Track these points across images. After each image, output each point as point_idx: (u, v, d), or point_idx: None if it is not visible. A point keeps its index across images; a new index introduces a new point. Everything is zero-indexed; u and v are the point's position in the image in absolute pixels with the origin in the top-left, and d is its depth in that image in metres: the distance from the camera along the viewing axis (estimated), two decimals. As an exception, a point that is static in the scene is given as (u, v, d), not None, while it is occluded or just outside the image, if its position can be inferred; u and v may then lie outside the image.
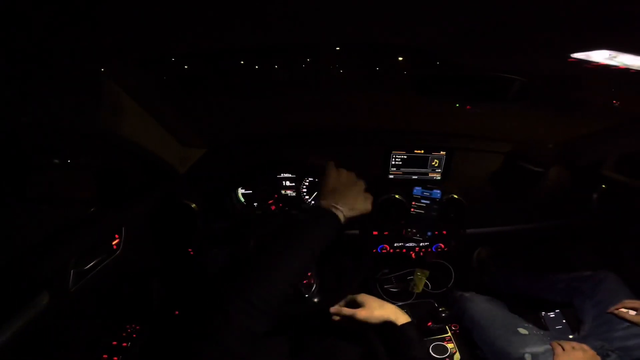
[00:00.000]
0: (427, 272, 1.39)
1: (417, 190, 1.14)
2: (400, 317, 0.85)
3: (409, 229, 1.19)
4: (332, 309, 0.90)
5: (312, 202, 1.21)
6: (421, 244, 1.23)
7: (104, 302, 1.12)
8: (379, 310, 0.87)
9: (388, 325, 0.85)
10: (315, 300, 0.96)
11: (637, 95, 1.07)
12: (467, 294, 1.33)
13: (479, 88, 0.88)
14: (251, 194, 1.20)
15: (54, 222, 0.97)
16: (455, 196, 1.15)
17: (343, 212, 0.73)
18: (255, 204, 1.22)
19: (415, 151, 1.14)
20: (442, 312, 1.18)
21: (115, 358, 1.09)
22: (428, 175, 1.17)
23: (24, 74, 0.56)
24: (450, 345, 1.20)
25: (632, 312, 1.06)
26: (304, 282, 0.97)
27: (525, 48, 0.66)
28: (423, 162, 1.15)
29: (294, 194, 1.21)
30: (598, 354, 0.99)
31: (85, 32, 0.50)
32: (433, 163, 1.15)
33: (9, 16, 0.40)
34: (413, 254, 1.28)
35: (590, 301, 1.21)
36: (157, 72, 0.96)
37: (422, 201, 1.14)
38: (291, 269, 0.62)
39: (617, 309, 1.09)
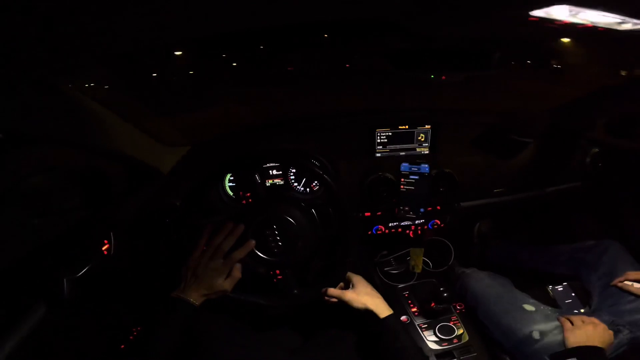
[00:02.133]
0: (422, 250, 1.36)
1: (405, 166, 1.12)
2: (383, 310, 0.86)
3: (401, 207, 1.16)
4: (324, 290, 0.90)
5: (301, 188, 1.19)
6: (417, 222, 1.20)
7: (106, 308, 1.10)
8: (365, 297, 0.88)
9: (371, 315, 0.86)
10: (295, 291, 0.95)
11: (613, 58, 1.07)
12: (467, 271, 1.29)
13: (452, 58, 0.87)
14: (237, 185, 1.18)
15: (40, 231, 0.96)
16: (446, 170, 1.13)
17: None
18: (242, 194, 1.19)
19: (400, 127, 1.12)
20: (444, 291, 1.14)
21: None
22: (416, 150, 1.15)
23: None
24: (456, 325, 1.16)
25: (637, 285, 1.02)
26: (276, 279, 0.95)
27: (487, 11, 0.65)
28: (409, 137, 1.14)
29: (281, 182, 1.19)
30: (609, 328, 0.95)
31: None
32: (419, 138, 1.14)
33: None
34: (411, 233, 1.25)
35: (595, 273, 1.18)
36: (129, 70, 0.95)
37: (411, 177, 1.12)
38: None
39: (621, 281, 1.06)
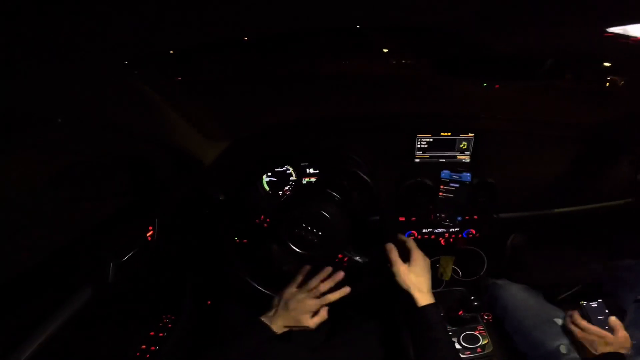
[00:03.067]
0: (453, 258, 1.35)
1: (446, 173, 1.10)
2: (424, 297, 0.85)
3: (438, 214, 1.15)
4: (387, 244, 0.94)
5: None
6: (451, 230, 1.19)
7: (141, 294, 1.14)
8: (412, 277, 0.87)
9: (409, 299, 0.85)
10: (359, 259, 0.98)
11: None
12: (499, 282, 1.28)
13: (508, 66, 0.84)
14: (276, 181, 1.21)
15: (90, 216, 1.01)
16: (488, 179, 1.11)
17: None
18: (280, 192, 1.22)
19: (442, 133, 1.10)
20: (474, 300, 1.14)
21: (153, 348, 1.12)
22: (456, 158, 1.13)
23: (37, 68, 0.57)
24: (481, 335, 1.16)
25: None
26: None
27: (558, 23, 0.62)
28: (450, 144, 1.11)
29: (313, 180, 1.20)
30: (634, 346, 0.95)
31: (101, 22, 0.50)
32: (461, 145, 1.11)
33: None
34: (442, 240, 1.24)
35: (632, 292, 1.15)
36: (178, 65, 0.97)
37: (451, 185, 1.10)
38: None
39: None
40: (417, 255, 0.92)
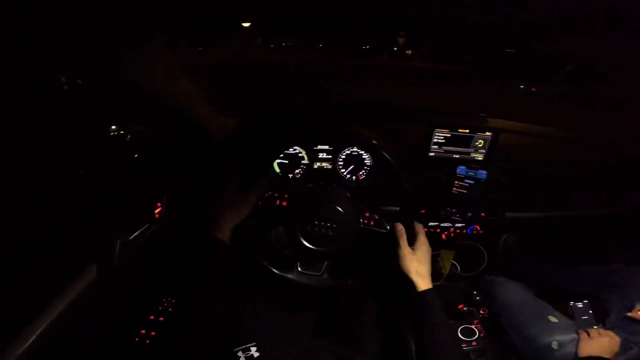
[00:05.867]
0: (453, 253, 1.38)
1: (462, 169, 1.11)
2: (424, 283, 0.85)
3: (449, 209, 1.16)
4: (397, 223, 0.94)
5: (348, 175, 1.19)
6: (457, 225, 1.21)
7: (143, 274, 1.10)
8: (414, 263, 0.88)
9: (410, 284, 0.86)
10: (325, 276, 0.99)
11: None
12: (498, 279, 1.32)
13: (549, 71, 0.83)
14: (287, 164, 1.19)
15: (97, 190, 0.95)
16: (499, 178, 1.12)
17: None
18: (290, 175, 1.20)
19: (460, 130, 1.10)
20: (476, 295, 1.18)
21: (153, 333, 1.09)
22: (470, 155, 1.13)
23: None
24: (477, 329, 1.21)
25: None
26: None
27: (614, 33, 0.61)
28: (466, 141, 1.11)
29: (329, 167, 1.19)
30: (620, 345, 1.00)
31: None
32: (477, 143, 1.11)
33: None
34: (444, 235, 1.26)
35: (618, 294, 1.20)
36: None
37: (466, 181, 1.11)
38: None
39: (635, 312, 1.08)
40: (423, 242, 0.93)
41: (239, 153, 1.14)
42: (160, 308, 1.15)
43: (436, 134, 1.11)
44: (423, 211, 1.19)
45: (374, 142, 0.99)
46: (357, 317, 1.17)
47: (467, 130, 1.09)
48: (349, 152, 1.17)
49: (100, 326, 0.93)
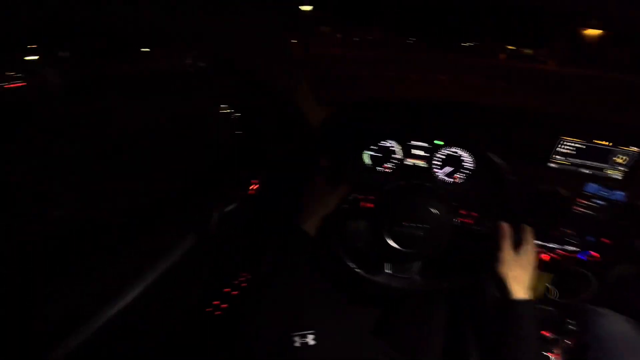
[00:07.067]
0: (551, 276, 1.19)
1: (592, 187, 0.93)
2: (521, 291, 0.77)
3: (565, 229, 1.00)
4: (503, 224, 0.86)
5: (443, 177, 1.10)
6: (567, 247, 1.03)
7: (232, 247, 1.14)
8: (517, 269, 0.80)
9: (504, 290, 0.78)
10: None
11: None
12: (601, 310, 1.11)
13: None
14: (379, 157, 1.15)
15: (199, 163, 1.04)
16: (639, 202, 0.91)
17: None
18: (379, 168, 1.16)
19: (596, 141, 0.91)
20: (571, 325, 1.02)
21: (225, 305, 1.10)
22: (603, 171, 0.94)
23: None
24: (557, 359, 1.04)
25: None
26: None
27: None
28: (603, 155, 0.92)
29: (424, 165, 1.11)
30: None
31: None
32: (617, 159, 0.91)
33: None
34: (547, 256, 1.09)
35: None
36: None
37: (595, 201, 0.93)
38: None
39: None
40: (530, 248, 0.84)
41: (332, 141, 1.14)
42: (235, 282, 1.18)
43: (563, 143, 0.94)
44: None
45: (487, 148, 0.89)
46: (423, 323, 1.10)
47: (609, 143, 0.90)
48: (448, 151, 1.07)
49: (189, 290, 1.00)
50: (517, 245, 0.84)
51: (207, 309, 1.08)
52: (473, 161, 1.06)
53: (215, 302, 1.10)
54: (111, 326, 0.66)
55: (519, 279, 0.78)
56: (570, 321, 1.05)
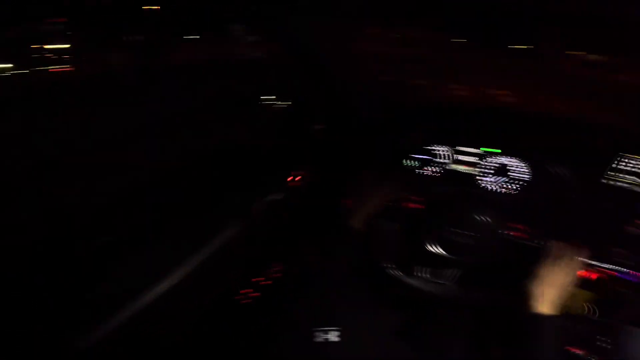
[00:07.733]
0: (591, 295, 1.14)
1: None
2: (543, 305, 0.75)
3: (619, 249, 0.98)
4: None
5: (489, 186, 1.10)
6: (617, 267, 1.00)
7: (273, 235, 1.14)
8: (546, 285, 0.78)
9: (527, 304, 0.76)
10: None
11: None
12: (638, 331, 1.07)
13: None
14: (426, 159, 1.17)
15: (251, 150, 1.09)
16: None
17: None
18: (425, 172, 1.19)
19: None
20: (605, 344, 0.98)
21: (256, 294, 1.09)
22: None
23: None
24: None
25: None
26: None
27: None
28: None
29: (469, 171, 1.12)
30: None
31: None
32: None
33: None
34: (594, 275, 1.06)
35: None
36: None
37: (651, 222, 0.91)
38: None
39: None
40: (570, 266, 0.84)
41: (383, 141, 1.19)
42: (269, 272, 1.15)
43: (622, 159, 0.92)
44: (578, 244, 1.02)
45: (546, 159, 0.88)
46: (449, 332, 1.09)
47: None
48: (500, 160, 1.08)
49: (224, 276, 1.00)
50: (559, 262, 0.83)
51: (237, 297, 1.07)
52: (530, 172, 1.04)
53: (247, 290, 1.09)
54: (151, 309, 0.69)
55: (547, 294, 0.78)
56: (604, 339, 1.01)
